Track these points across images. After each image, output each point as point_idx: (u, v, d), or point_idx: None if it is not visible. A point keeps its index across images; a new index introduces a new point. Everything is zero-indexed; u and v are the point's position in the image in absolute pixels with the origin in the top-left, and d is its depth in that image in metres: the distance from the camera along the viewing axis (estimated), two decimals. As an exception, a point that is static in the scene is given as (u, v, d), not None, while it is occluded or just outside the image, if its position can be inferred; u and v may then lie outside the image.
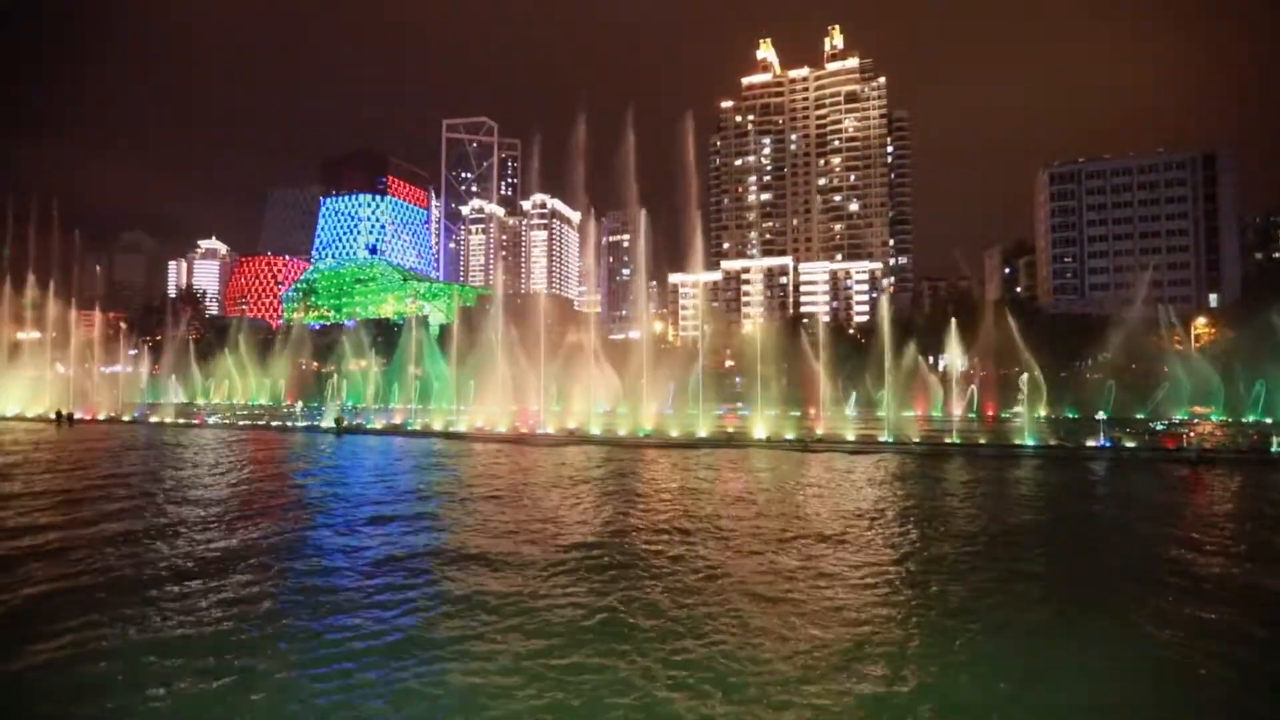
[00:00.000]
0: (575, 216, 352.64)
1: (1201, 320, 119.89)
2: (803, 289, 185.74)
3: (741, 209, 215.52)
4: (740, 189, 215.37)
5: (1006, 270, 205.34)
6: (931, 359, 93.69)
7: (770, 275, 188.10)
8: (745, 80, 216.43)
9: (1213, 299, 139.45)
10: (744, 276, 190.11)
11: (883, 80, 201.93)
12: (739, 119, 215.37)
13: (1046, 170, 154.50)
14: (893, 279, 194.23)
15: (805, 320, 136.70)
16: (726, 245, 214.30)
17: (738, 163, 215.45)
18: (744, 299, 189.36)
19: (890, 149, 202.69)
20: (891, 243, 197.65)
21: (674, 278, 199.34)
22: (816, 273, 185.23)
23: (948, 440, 43.73)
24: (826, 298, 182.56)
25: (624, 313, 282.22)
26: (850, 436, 45.18)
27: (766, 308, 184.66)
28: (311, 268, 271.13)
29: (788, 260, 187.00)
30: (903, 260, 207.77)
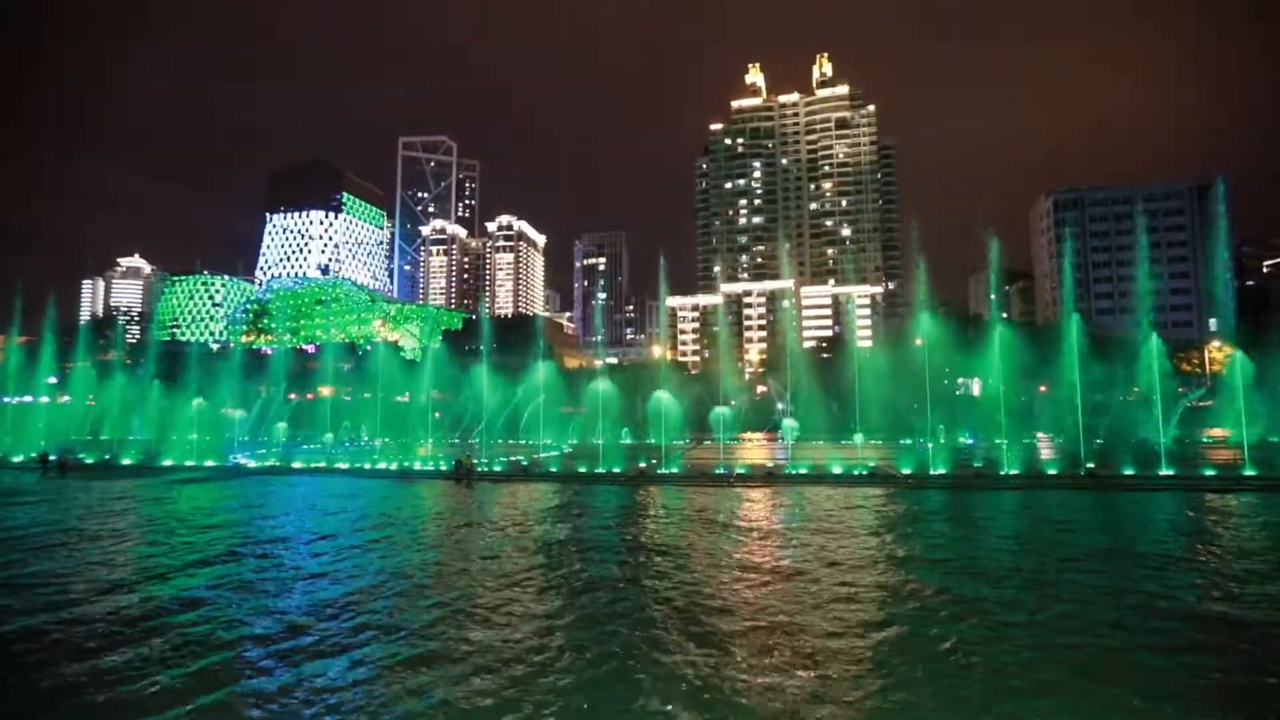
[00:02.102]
0: (541, 239, 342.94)
1: (1215, 344, 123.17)
2: (805, 312, 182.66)
3: (732, 232, 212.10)
4: (731, 212, 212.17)
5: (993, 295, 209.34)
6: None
7: (772, 299, 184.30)
8: (735, 103, 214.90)
9: (1212, 323, 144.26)
10: (745, 300, 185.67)
11: (872, 108, 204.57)
12: (728, 141, 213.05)
13: (1049, 197, 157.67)
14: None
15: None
16: (718, 269, 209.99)
17: (728, 185, 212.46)
18: (745, 322, 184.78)
19: (880, 175, 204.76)
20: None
21: (671, 301, 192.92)
22: (819, 296, 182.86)
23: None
24: (829, 321, 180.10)
25: (600, 336, 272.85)
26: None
27: (770, 332, 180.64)
28: (264, 288, 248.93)
29: (789, 283, 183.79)
30: (891, 285, 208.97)
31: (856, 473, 37.89)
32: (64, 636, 13.42)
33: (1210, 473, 34.59)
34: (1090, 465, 35.84)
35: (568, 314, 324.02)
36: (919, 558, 19.79)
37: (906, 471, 37.28)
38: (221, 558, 20.55)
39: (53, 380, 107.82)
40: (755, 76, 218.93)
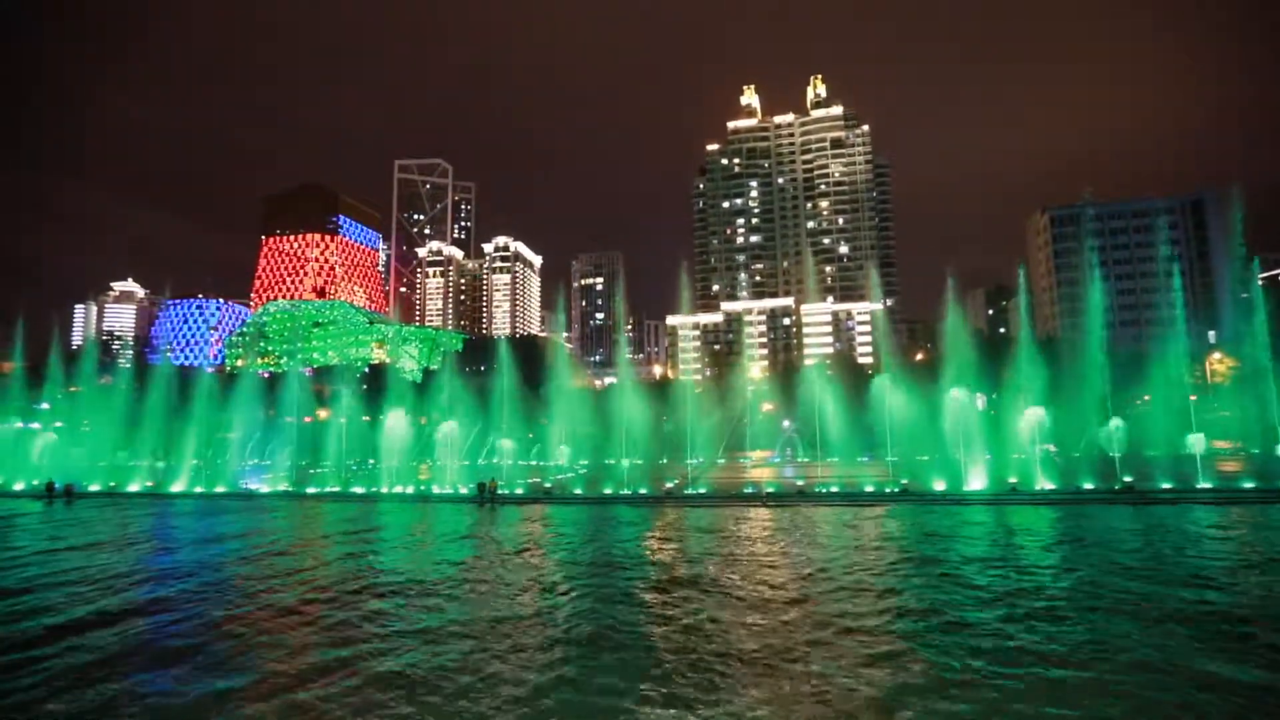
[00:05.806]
0: (537, 260, 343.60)
1: (1216, 355, 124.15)
2: (805, 330, 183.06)
3: (730, 251, 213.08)
4: (729, 231, 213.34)
5: (990, 310, 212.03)
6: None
7: (773, 316, 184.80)
8: (731, 124, 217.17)
9: (1211, 335, 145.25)
10: (745, 318, 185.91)
11: (866, 128, 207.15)
12: (725, 161, 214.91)
13: (1046, 213, 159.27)
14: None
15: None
16: (716, 287, 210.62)
17: (725, 205, 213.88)
18: (746, 340, 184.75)
19: (875, 193, 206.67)
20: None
21: (671, 319, 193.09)
22: (819, 314, 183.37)
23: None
24: (829, 338, 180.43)
25: (599, 356, 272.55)
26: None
27: (771, 349, 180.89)
28: (260, 310, 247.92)
29: (789, 301, 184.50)
30: (889, 302, 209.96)
31: (889, 490, 37.40)
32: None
33: (1250, 485, 34.26)
34: (1127, 479, 35.47)
35: (564, 334, 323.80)
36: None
37: (941, 487, 36.78)
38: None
39: (45, 406, 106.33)
40: (750, 98, 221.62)
